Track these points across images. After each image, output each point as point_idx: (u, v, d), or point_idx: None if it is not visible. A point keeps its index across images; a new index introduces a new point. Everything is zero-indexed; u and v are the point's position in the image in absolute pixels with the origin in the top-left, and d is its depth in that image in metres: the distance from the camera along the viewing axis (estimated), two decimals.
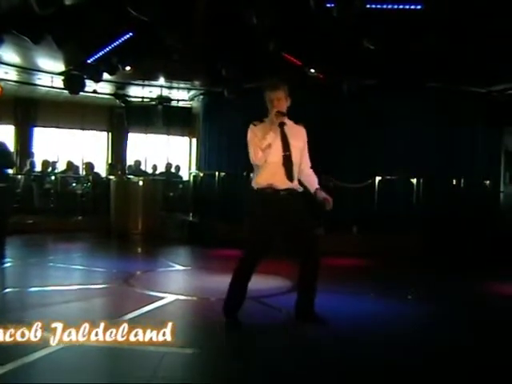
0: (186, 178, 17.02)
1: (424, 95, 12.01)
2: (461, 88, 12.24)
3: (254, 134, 5.13)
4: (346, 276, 8.57)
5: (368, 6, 8.17)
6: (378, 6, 8.41)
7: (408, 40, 9.17)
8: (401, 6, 8.44)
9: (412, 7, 8.42)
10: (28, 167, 15.32)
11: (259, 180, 5.19)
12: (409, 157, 11.95)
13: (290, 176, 5.15)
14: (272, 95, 5.12)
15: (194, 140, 18.81)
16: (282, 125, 5.14)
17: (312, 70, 11.03)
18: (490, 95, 12.81)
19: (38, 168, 15.43)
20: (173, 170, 17.06)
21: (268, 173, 5.14)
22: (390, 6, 8.46)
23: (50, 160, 15.75)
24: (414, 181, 11.75)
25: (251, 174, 5.40)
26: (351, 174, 11.70)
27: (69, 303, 6.08)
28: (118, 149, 18.94)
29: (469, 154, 12.62)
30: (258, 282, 7.11)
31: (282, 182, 5.14)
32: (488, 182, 12.65)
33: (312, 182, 5.39)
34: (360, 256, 10.07)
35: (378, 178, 11.68)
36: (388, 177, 11.73)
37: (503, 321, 6.00)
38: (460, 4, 8.18)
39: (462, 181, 12.13)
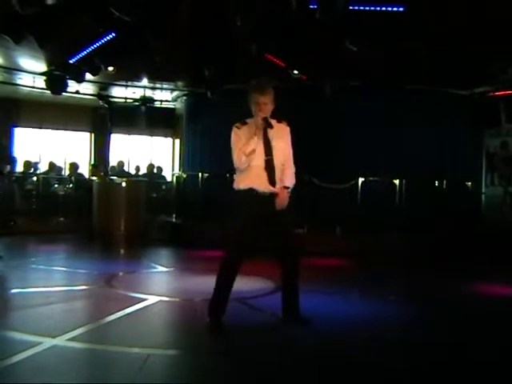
0: (169, 179, 16.96)
1: (406, 97, 12.07)
2: (443, 90, 12.33)
3: (238, 137, 5.12)
4: (329, 276, 8.59)
5: (351, 7, 8.20)
6: (361, 8, 8.45)
7: (391, 42, 9.22)
8: (383, 8, 8.48)
9: (394, 9, 8.46)
10: (9, 168, 15.17)
11: (241, 182, 5.19)
12: (392, 158, 12.02)
13: (271, 181, 5.14)
14: (260, 99, 5.08)
15: (178, 141, 18.78)
16: (265, 128, 5.14)
17: (295, 72, 11.05)
18: (472, 97, 12.91)
19: (20, 169, 15.31)
20: (155, 170, 16.98)
21: (250, 176, 5.13)
22: (372, 8, 8.50)
23: (32, 161, 15.62)
24: (397, 182, 11.80)
25: (234, 176, 5.38)
26: (335, 175, 11.72)
27: (50, 305, 6.04)
28: (100, 149, 18.81)
29: (451, 155, 12.71)
30: (241, 284, 7.12)
31: (263, 186, 5.13)
32: (470, 183, 12.75)
33: (284, 178, 5.24)
34: (343, 256, 10.10)
35: (361, 179, 11.72)
36: (371, 178, 11.77)
37: (486, 320, 6.04)
38: (442, 6, 8.24)
39: (445, 182, 12.21)
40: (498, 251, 10.22)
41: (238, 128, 5.16)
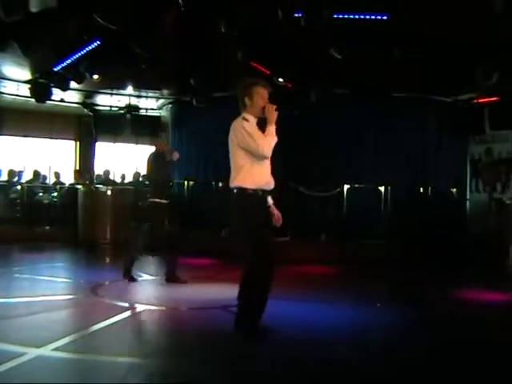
0: None
1: (392, 104, 12.14)
2: (428, 97, 12.41)
3: (254, 127, 5.09)
4: (314, 283, 8.59)
5: (335, 15, 8.24)
6: (346, 16, 8.50)
7: (375, 49, 9.27)
8: (367, 16, 8.54)
9: (378, 17, 8.53)
10: None
11: (253, 179, 5.08)
12: (377, 165, 12.06)
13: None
14: (265, 93, 5.17)
15: None
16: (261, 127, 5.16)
17: (280, 79, 11.07)
18: (456, 104, 13.01)
19: (4, 177, 15.19)
20: (141, 178, 16.90)
21: (263, 172, 5.12)
22: (356, 16, 8.56)
23: (16, 169, 15.51)
24: (382, 189, 11.84)
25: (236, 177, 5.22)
26: (320, 183, 11.74)
27: (35, 315, 5.97)
28: (86, 158, 18.73)
29: (436, 162, 12.78)
30: (226, 290, 7.11)
31: (272, 181, 5.19)
32: (455, 189, 12.83)
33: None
34: (328, 263, 10.10)
35: (346, 187, 11.75)
36: (356, 185, 11.80)
37: (469, 327, 6.07)
38: (426, 15, 8.30)
39: (430, 189, 12.27)
40: (482, 257, 10.27)
41: (248, 121, 5.11)
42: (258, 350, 4.92)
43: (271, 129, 5.08)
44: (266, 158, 5.09)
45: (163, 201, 8.17)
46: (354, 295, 7.60)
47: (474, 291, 8.21)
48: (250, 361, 4.65)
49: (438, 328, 5.99)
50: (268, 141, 5.03)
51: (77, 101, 15.62)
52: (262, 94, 5.16)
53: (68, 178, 16.46)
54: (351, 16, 8.59)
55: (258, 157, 5.05)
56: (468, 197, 14.06)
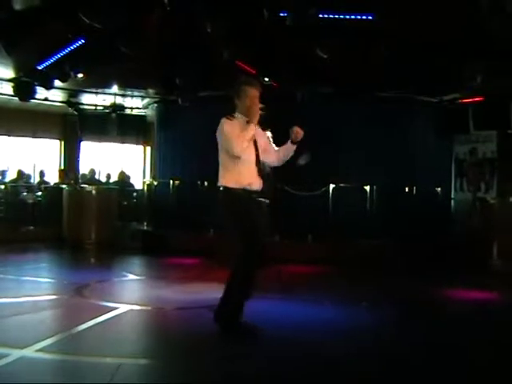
0: (139, 186, 16.83)
1: (377, 104, 12.16)
2: (413, 97, 12.46)
3: (232, 126, 5.08)
4: (300, 283, 8.60)
5: (321, 15, 8.25)
6: (331, 16, 8.51)
7: (360, 49, 9.30)
8: (353, 16, 8.56)
9: (364, 17, 8.55)
10: None
11: (235, 181, 5.09)
12: (362, 164, 12.08)
13: (261, 176, 5.17)
14: (255, 92, 5.17)
15: (149, 148, 18.70)
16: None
17: (266, 79, 11.06)
18: (441, 104, 13.07)
19: None
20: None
21: (244, 173, 5.10)
22: (342, 16, 8.58)
23: (0, 169, 15.38)
24: (368, 188, 11.86)
25: (221, 173, 5.19)
26: (306, 182, 11.74)
27: (19, 316, 5.92)
28: (71, 157, 18.62)
29: (421, 161, 12.83)
30: (212, 290, 7.08)
31: (257, 182, 5.15)
32: (439, 189, 12.89)
33: (282, 148, 5.48)
34: (315, 263, 10.11)
35: (332, 186, 11.76)
36: (342, 184, 11.82)
37: (454, 326, 6.10)
38: (411, 15, 8.33)
39: (415, 188, 12.31)
40: (466, 256, 10.33)
41: (230, 119, 5.13)
42: (245, 349, 4.92)
43: (249, 129, 5.05)
44: (239, 158, 5.05)
45: None
46: (340, 294, 7.62)
47: (459, 290, 8.26)
48: (236, 359, 4.63)
49: (423, 326, 6.02)
50: (242, 141, 5.01)
51: (61, 100, 15.49)
52: (249, 94, 5.15)
53: (53, 178, 16.37)
54: (336, 16, 8.61)
55: (233, 157, 5.04)
56: (453, 196, 14.16)
